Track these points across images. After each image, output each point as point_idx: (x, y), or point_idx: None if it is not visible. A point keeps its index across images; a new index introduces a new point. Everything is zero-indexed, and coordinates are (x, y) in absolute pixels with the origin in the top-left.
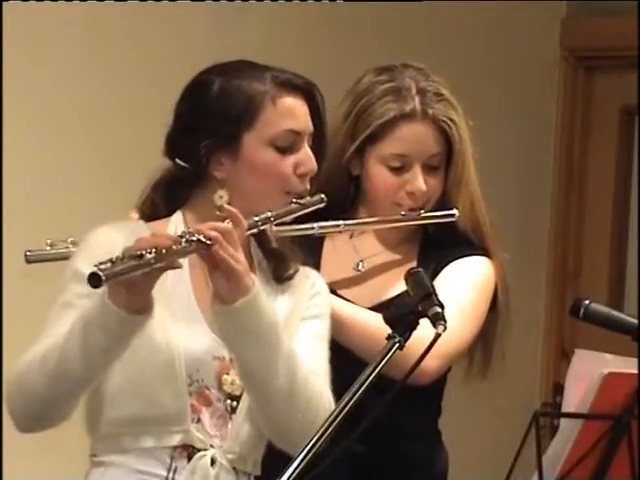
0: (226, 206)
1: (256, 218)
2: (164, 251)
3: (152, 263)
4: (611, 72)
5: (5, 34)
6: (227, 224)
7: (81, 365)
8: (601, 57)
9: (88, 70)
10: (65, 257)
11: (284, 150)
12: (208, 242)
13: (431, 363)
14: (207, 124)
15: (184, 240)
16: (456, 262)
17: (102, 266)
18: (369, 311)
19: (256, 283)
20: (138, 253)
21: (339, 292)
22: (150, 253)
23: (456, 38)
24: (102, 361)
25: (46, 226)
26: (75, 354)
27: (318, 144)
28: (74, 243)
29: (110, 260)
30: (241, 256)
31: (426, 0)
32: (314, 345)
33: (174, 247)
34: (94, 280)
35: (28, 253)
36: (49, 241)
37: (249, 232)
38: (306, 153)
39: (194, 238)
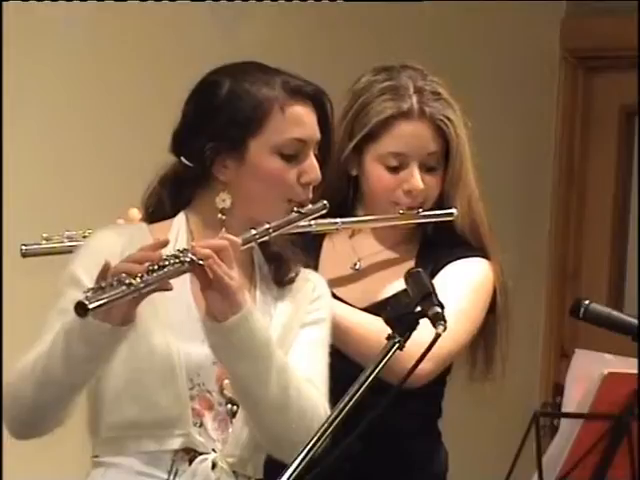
0: (221, 235)
1: (254, 231)
2: (154, 274)
3: (141, 288)
4: (611, 72)
5: (5, 34)
6: (222, 240)
7: (65, 373)
8: (601, 57)
9: (88, 70)
10: (61, 251)
11: (289, 158)
12: (200, 262)
13: (424, 365)
14: (214, 126)
15: (177, 260)
16: (454, 264)
17: (90, 294)
18: (370, 317)
19: (249, 301)
20: (127, 281)
21: (335, 291)
22: (140, 277)
23: (456, 38)
24: (85, 369)
25: (47, 224)
26: (58, 362)
27: (324, 152)
28: (70, 238)
29: (99, 286)
30: (235, 273)
31: (426, 0)
32: (313, 353)
33: (165, 270)
34: (81, 309)
35: (23, 247)
36: (45, 235)
37: (246, 246)
38: (311, 162)
39: (187, 259)
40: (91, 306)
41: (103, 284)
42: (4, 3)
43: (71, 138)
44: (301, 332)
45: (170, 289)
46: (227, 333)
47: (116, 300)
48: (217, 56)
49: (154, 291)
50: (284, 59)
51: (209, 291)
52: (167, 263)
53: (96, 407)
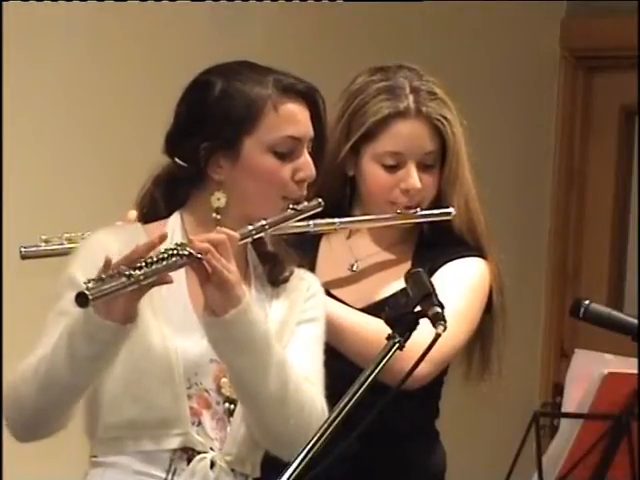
0: (219, 229)
1: (250, 227)
2: (154, 267)
3: (141, 280)
4: (611, 72)
5: (5, 34)
6: (220, 234)
7: (69, 374)
8: (601, 57)
9: (88, 70)
10: (59, 253)
11: (283, 156)
12: (199, 256)
13: (422, 367)
14: (207, 126)
15: (175, 253)
16: (450, 263)
17: (90, 284)
18: (367, 316)
19: (247, 294)
20: (127, 272)
21: (333, 292)
22: (140, 269)
23: (456, 38)
24: (90, 369)
25: (46, 225)
26: (63, 363)
27: (318, 149)
28: (69, 239)
29: (100, 277)
30: (233, 267)
31: (426, 0)
32: (309, 351)
33: (164, 263)
34: (81, 300)
35: (22, 249)
36: (44, 237)
37: (243, 241)
38: (305, 159)
39: (185, 252)
40: (92, 296)
41: (103, 275)
42: (4, 3)
43: (71, 139)
44: (297, 330)
45: (170, 282)
46: (226, 327)
47: (116, 291)
48: (217, 56)
49: (154, 284)
50: (283, 59)
51: (207, 285)
52: (165, 256)
53: (94, 408)
